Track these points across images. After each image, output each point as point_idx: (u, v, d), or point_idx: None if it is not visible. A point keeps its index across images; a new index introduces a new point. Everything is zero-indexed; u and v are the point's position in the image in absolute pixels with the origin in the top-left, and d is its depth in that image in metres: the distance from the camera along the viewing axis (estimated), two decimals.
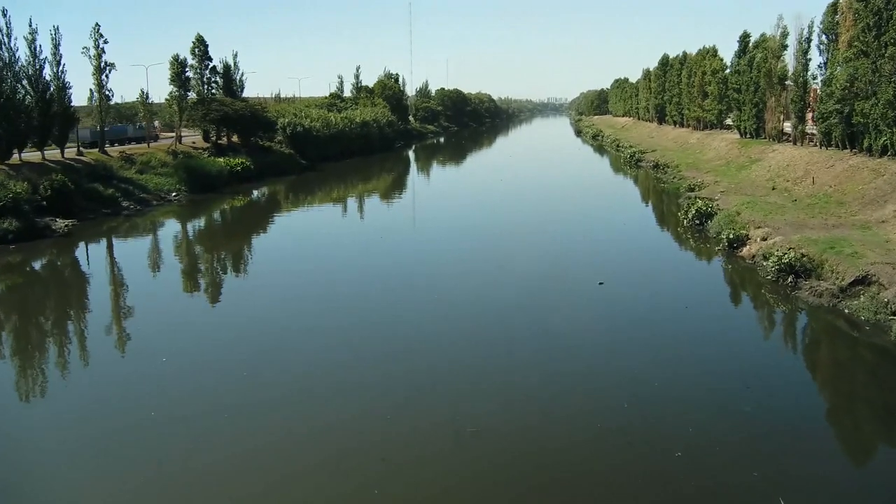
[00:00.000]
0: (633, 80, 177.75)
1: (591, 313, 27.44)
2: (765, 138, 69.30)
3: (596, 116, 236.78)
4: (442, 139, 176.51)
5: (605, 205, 60.24)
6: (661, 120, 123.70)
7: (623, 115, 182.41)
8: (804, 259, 28.85)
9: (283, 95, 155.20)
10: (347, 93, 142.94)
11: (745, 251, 34.73)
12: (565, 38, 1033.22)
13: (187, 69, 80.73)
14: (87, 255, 43.94)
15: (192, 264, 41.48)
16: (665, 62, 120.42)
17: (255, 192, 71.07)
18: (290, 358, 23.63)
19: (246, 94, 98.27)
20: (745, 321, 27.37)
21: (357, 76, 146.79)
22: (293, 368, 22.67)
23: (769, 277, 29.65)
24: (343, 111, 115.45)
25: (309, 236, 48.92)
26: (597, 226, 48.99)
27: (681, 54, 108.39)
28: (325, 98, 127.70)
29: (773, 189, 49.04)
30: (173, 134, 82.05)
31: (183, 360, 23.80)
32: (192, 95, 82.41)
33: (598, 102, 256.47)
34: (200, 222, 55.71)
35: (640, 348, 23.27)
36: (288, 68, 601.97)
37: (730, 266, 34.50)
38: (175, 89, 79.92)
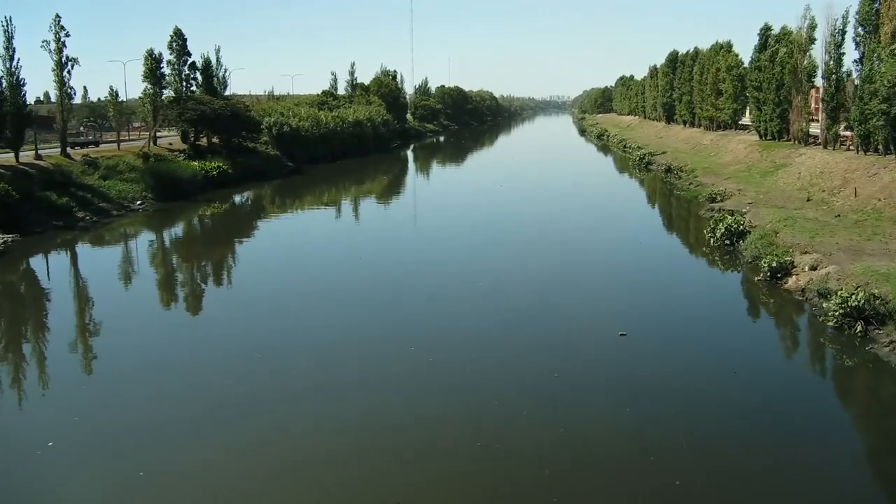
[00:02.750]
0: (638, 77, 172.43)
1: (606, 372, 21.39)
2: (788, 140, 63.47)
3: (600, 115, 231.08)
4: (441, 138, 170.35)
5: (615, 216, 53.96)
6: (670, 119, 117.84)
7: (628, 114, 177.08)
8: (877, 301, 22.88)
9: (276, 93, 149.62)
10: (342, 90, 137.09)
11: (791, 283, 28.71)
12: (568, 36, 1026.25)
13: (163, 64, 75.09)
14: (24, 277, 38.04)
15: (151, 283, 35.51)
16: (674, 58, 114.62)
17: (234, 199, 65.03)
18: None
19: (239, 91, 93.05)
20: (812, 392, 20.83)
21: (352, 73, 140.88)
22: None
23: (831, 323, 23.63)
24: (335, 110, 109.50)
25: (288, 252, 42.62)
26: (608, 243, 42.93)
27: (692, 50, 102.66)
28: (318, 96, 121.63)
29: (809, 200, 43.10)
30: None
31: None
32: (168, 93, 76.74)
33: (601, 101, 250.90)
34: (164, 235, 49.67)
35: (683, 440, 17.02)
36: (287, 67, 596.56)
37: (772, 301, 28.41)
38: (149, 86, 74.26)
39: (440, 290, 31.35)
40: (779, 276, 29.47)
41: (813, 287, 26.83)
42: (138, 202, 56.42)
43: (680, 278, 34.15)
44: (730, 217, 37.87)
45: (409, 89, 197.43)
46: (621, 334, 23.88)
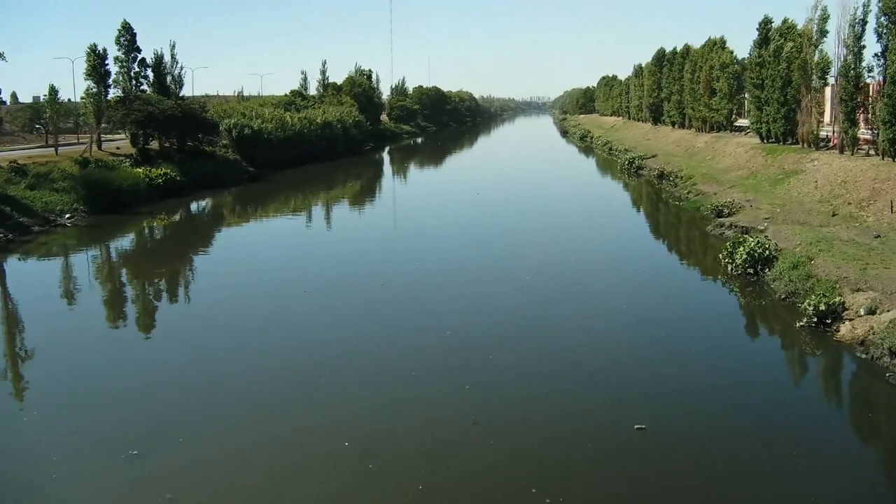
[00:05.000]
0: (621, 77, 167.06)
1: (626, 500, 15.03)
2: (794, 144, 57.73)
3: (582, 115, 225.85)
4: (420, 140, 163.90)
5: (606, 233, 46.99)
6: (657, 120, 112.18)
7: (611, 115, 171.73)
8: None
9: (247, 94, 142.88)
10: (313, 91, 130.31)
11: (844, 332, 22.44)
12: (549, 36, 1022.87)
13: (108, 62, 68.25)
14: None
15: (60, 316, 28.64)
16: (661, 56, 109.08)
17: (180, 211, 58.12)
18: None
19: (207, 92, 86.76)
20: None
21: (323, 72, 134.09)
22: None
23: None
24: (303, 110, 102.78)
25: (231, 274, 35.88)
26: (602, 270, 35.66)
27: (682, 47, 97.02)
28: (285, 96, 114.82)
29: (834, 215, 37.12)
30: None
31: None
32: (115, 92, 69.80)
33: (583, 101, 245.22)
34: (88, 254, 42.77)
35: None
36: (260, 68, 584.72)
37: (825, 360, 21.98)
38: (92, 85, 67.41)
39: (397, 353, 23.71)
40: (827, 321, 23.27)
41: (880, 341, 20.67)
42: (67, 216, 49.52)
43: (699, 324, 26.88)
44: (751, 239, 31.21)
45: (386, 90, 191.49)
46: (638, 427, 17.21)
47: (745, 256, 29.72)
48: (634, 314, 27.55)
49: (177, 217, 55.72)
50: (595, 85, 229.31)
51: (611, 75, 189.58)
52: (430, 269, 35.98)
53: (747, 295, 28.84)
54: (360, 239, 47.03)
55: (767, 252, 29.86)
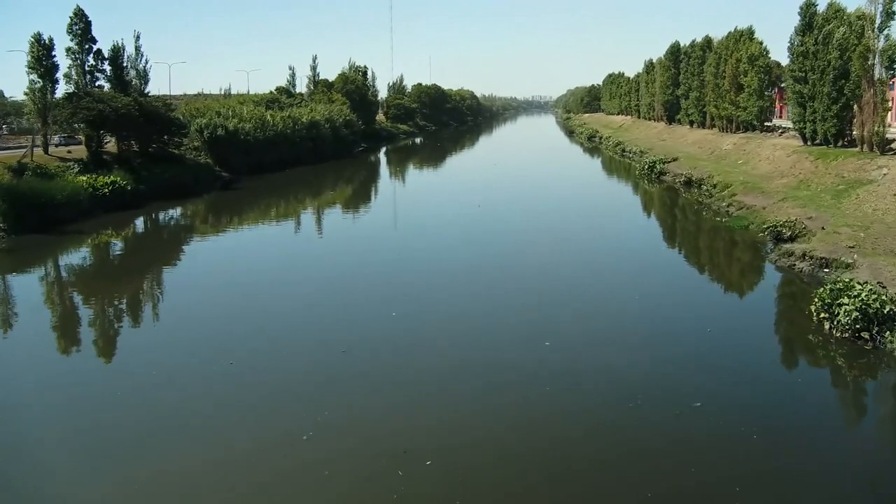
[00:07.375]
0: (629, 74, 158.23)
1: None
2: (847, 146, 49.30)
3: (586, 114, 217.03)
4: (418, 140, 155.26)
5: (638, 261, 37.12)
6: (672, 119, 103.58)
7: (618, 114, 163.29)
8: None
9: (234, 92, 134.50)
10: (303, 88, 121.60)
11: None
12: (551, 35, 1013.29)
13: (54, 53, 59.69)
14: None
15: None
16: (676, 50, 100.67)
17: (127, 228, 49.33)
18: None
19: (192, 90, 78.11)
20: None
21: (314, 68, 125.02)
22: None
23: None
24: (288, 109, 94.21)
25: (168, 320, 27.74)
26: (646, 326, 25.34)
27: (701, 39, 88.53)
28: (270, 93, 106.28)
29: None
30: None
31: None
32: (64, 88, 61.32)
33: (588, 99, 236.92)
34: None
35: None
36: (254, 66, 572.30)
37: None
38: (36, 79, 58.84)
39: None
40: None
41: None
42: None
43: (818, 439, 16.85)
44: (859, 285, 21.84)
45: (386, 89, 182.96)
46: None
47: (855, 314, 20.80)
48: (717, 425, 17.48)
49: (121, 236, 46.72)
50: (600, 83, 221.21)
51: (618, 72, 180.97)
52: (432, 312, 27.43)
53: (859, 369, 19.85)
54: (346, 263, 38.37)
55: (888, 307, 21.00)
